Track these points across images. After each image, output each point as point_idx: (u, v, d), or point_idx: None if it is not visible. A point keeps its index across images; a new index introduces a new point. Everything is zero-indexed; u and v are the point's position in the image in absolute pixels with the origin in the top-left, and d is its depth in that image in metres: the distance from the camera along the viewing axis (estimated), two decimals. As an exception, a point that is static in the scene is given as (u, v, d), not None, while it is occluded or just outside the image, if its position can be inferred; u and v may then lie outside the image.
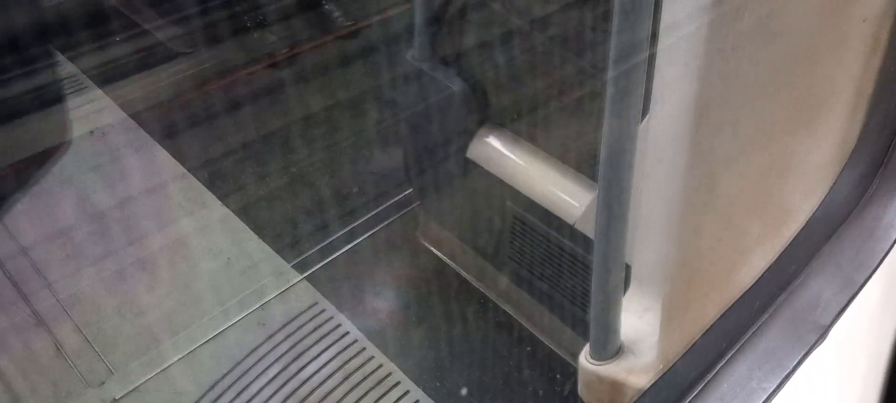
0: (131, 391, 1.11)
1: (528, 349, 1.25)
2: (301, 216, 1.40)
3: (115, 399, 1.10)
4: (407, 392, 1.16)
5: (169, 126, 1.51)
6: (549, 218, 1.17)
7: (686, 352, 0.51)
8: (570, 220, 1.15)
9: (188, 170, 1.42)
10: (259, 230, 1.34)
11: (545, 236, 1.20)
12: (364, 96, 1.62)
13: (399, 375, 1.18)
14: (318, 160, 1.50)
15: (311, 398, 1.13)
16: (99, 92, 1.54)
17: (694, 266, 0.90)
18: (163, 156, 1.45)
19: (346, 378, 1.16)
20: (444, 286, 1.34)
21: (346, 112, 1.60)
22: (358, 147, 1.53)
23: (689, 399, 0.49)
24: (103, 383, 1.12)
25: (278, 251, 1.32)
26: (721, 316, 0.54)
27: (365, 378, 1.17)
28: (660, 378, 0.50)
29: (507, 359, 1.24)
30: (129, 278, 1.26)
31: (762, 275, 0.56)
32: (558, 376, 1.23)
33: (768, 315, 0.53)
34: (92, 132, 1.47)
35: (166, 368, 1.15)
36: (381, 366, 1.19)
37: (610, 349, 0.95)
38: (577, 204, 1.15)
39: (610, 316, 0.92)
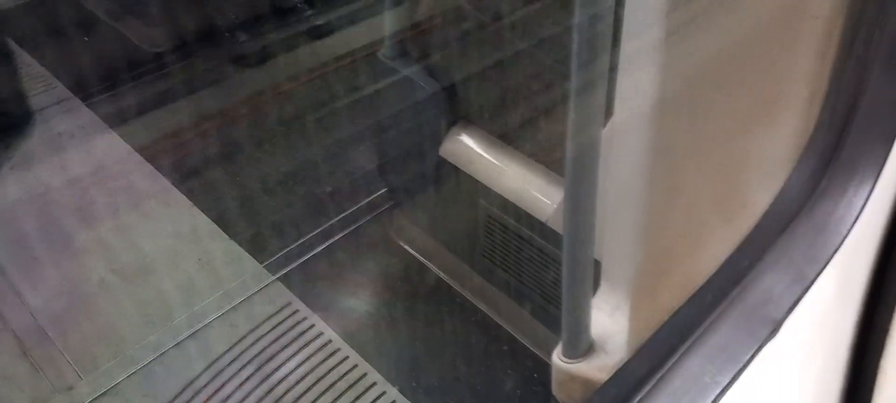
0: (101, 394, 1.10)
1: (504, 347, 1.26)
2: (274, 216, 1.39)
3: (85, 405, 1.09)
4: (383, 393, 1.16)
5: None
6: (521, 215, 1.18)
7: (639, 350, 0.51)
8: (542, 217, 1.16)
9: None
10: (230, 230, 1.34)
11: (518, 234, 1.20)
12: (335, 96, 1.62)
13: (375, 375, 1.18)
14: (290, 161, 1.50)
15: (286, 398, 1.12)
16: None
17: (660, 262, 0.91)
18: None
19: (320, 379, 1.16)
20: (419, 285, 1.34)
21: (319, 112, 1.60)
22: (331, 147, 1.53)
23: (641, 395, 0.49)
24: (71, 387, 1.11)
25: (251, 252, 1.31)
26: (674, 313, 0.54)
27: (340, 379, 1.17)
28: (613, 376, 0.50)
29: (483, 357, 1.24)
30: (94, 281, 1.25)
31: (716, 271, 0.57)
32: (533, 373, 1.24)
33: (720, 310, 0.54)
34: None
35: (137, 371, 1.14)
36: (356, 367, 1.19)
37: (581, 347, 0.96)
38: (549, 202, 1.16)
39: (580, 315, 0.93)
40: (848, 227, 0.58)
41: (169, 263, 1.28)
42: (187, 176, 1.41)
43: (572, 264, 0.87)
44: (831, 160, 0.60)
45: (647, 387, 0.50)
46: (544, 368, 1.26)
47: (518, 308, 1.26)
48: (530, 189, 1.18)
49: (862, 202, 0.59)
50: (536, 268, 1.20)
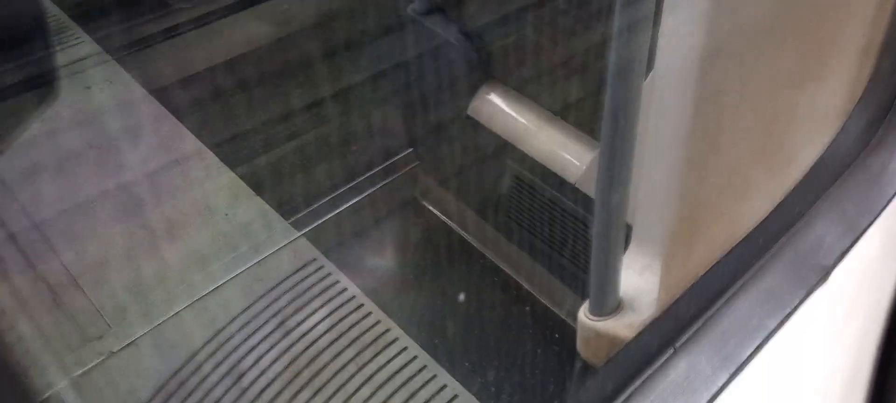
0: (128, 344, 1.12)
1: (527, 308, 1.26)
2: (298, 173, 1.39)
3: (112, 353, 1.10)
4: (405, 349, 1.17)
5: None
6: (550, 177, 1.17)
7: (688, 290, 0.51)
8: (571, 179, 1.15)
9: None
10: (255, 186, 1.34)
11: (546, 195, 1.19)
12: (361, 50, 1.60)
13: (397, 332, 1.18)
14: (315, 118, 1.49)
15: (309, 352, 1.13)
16: None
17: (695, 219, 0.89)
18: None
19: (343, 333, 1.16)
20: (443, 245, 1.34)
21: (344, 67, 1.58)
22: (355, 103, 1.52)
23: (689, 333, 0.48)
24: (101, 337, 1.12)
25: (276, 208, 1.31)
26: (724, 255, 0.53)
27: (363, 334, 1.17)
28: (662, 313, 0.49)
29: (506, 318, 1.24)
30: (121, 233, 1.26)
31: (766, 218, 0.55)
32: (556, 334, 1.24)
33: (770, 255, 0.53)
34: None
35: (163, 322, 1.15)
36: (379, 322, 1.19)
37: (609, 305, 0.95)
38: (578, 163, 1.14)
39: (609, 273, 0.92)
40: (902, 179, 0.57)
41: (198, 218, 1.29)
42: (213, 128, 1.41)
43: (604, 224, 0.86)
44: (889, 110, 0.58)
45: (697, 325, 0.49)
46: (568, 330, 1.26)
47: (543, 270, 1.26)
48: (560, 150, 1.16)
49: (918, 153, 0.57)
50: (563, 231, 1.19)
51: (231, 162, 1.36)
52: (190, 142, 1.40)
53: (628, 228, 0.94)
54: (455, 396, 1.11)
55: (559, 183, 1.15)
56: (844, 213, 0.56)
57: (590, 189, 1.15)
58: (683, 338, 0.48)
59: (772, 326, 0.51)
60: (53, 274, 1.20)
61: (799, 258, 0.54)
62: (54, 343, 1.11)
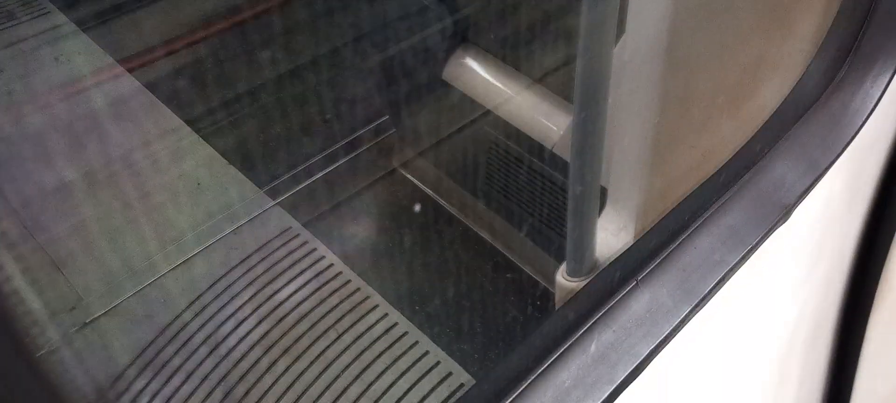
0: (101, 314, 1.11)
1: (506, 274, 1.27)
2: (271, 141, 1.38)
3: (85, 323, 1.09)
4: (385, 315, 1.17)
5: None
6: (526, 142, 1.17)
7: (650, 228, 0.51)
8: (548, 144, 1.15)
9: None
10: (229, 155, 1.32)
11: (523, 161, 1.19)
12: (332, 15, 1.58)
13: (377, 298, 1.18)
14: (287, 86, 1.47)
15: (288, 319, 1.13)
16: None
17: (668, 177, 0.90)
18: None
19: (322, 301, 1.16)
20: (420, 213, 1.34)
21: (316, 33, 1.56)
22: (329, 71, 1.50)
23: (651, 267, 0.49)
24: (72, 308, 1.11)
25: (250, 176, 1.30)
26: (687, 196, 0.54)
27: (342, 301, 1.17)
28: (624, 251, 0.50)
29: (485, 283, 1.25)
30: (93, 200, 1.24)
31: (729, 159, 0.56)
32: (536, 300, 1.24)
33: (732, 193, 0.54)
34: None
35: (137, 292, 1.14)
36: (358, 290, 1.19)
37: (585, 267, 0.96)
38: (555, 128, 1.15)
39: (585, 235, 0.93)
40: (863, 118, 0.58)
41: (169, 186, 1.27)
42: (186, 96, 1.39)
43: (579, 187, 0.86)
44: (851, 50, 0.59)
45: (657, 261, 0.50)
46: (547, 294, 1.27)
47: (521, 235, 1.26)
48: (537, 115, 1.16)
49: (879, 93, 0.58)
50: (541, 196, 1.20)
51: (203, 132, 1.35)
52: (161, 113, 1.38)
53: (603, 191, 0.95)
54: (437, 363, 1.11)
55: (537, 148, 1.15)
56: (806, 152, 0.56)
57: (567, 154, 1.16)
58: (645, 271, 0.48)
59: (733, 262, 0.51)
60: (23, 246, 1.18)
61: (760, 196, 0.54)
62: (25, 316, 1.10)
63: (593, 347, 0.46)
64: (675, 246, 0.50)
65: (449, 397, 1.08)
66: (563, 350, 0.45)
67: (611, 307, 0.47)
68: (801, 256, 0.62)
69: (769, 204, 0.54)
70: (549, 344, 0.45)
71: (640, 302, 0.48)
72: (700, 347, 0.53)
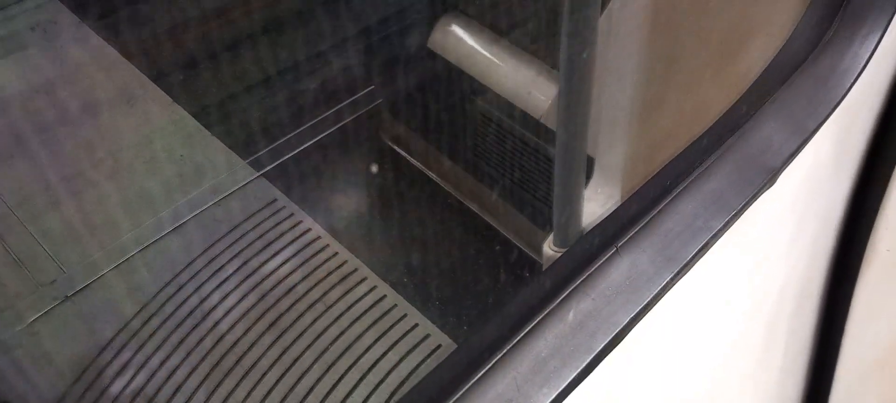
0: (83, 288, 1.09)
1: (493, 244, 1.26)
2: (253, 112, 1.35)
3: (66, 297, 1.08)
4: (374, 288, 1.16)
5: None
6: (514, 112, 1.15)
7: (635, 193, 0.50)
8: (535, 114, 1.13)
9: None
10: (212, 126, 1.30)
11: (510, 131, 1.18)
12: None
13: (365, 271, 1.17)
14: (270, 56, 1.44)
15: (275, 292, 1.12)
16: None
17: (656, 147, 0.89)
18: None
19: (310, 273, 1.15)
20: (406, 183, 1.32)
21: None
22: (312, 39, 1.47)
23: (632, 232, 0.48)
24: (54, 281, 1.10)
25: (233, 148, 1.28)
26: (670, 160, 0.52)
27: (329, 274, 1.16)
28: (606, 217, 0.49)
29: (472, 254, 1.24)
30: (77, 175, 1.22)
31: (714, 123, 0.55)
32: (523, 270, 1.24)
33: (717, 157, 0.52)
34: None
35: (119, 265, 1.12)
36: (346, 262, 1.18)
37: (572, 236, 0.95)
38: (543, 98, 1.13)
39: (572, 205, 0.92)
40: (851, 80, 0.56)
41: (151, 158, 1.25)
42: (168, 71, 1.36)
43: (566, 157, 0.85)
44: (839, 10, 0.57)
45: (639, 226, 0.48)
46: (534, 265, 1.26)
47: (509, 206, 1.25)
48: (524, 85, 1.14)
49: (868, 53, 0.56)
50: (529, 166, 1.18)
51: (184, 102, 1.32)
52: (142, 83, 1.35)
53: (591, 161, 0.94)
54: (427, 335, 1.11)
55: (524, 118, 1.13)
56: (793, 115, 0.55)
57: (555, 123, 1.14)
58: (625, 238, 0.47)
59: (717, 227, 0.50)
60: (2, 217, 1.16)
61: (745, 160, 0.53)
62: (5, 289, 1.08)
63: (571, 315, 0.45)
64: (656, 211, 0.49)
65: (438, 368, 1.08)
66: (540, 318, 0.44)
67: (589, 275, 0.46)
68: (787, 221, 0.61)
69: (755, 168, 0.53)
70: (525, 313, 0.44)
71: (620, 270, 0.47)
72: (682, 315, 0.53)
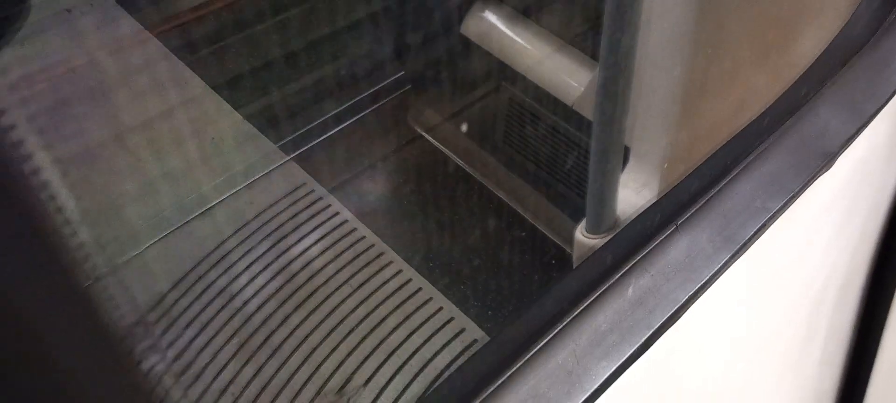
0: (111, 270, 1.10)
1: (521, 233, 1.25)
2: (284, 97, 1.36)
3: (95, 279, 1.09)
4: (399, 271, 1.16)
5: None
6: (546, 99, 1.14)
7: (692, 172, 0.49)
8: (568, 101, 1.12)
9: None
10: (242, 109, 1.30)
11: (542, 118, 1.17)
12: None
13: (391, 255, 1.17)
14: (300, 41, 1.44)
15: (303, 274, 1.12)
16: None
17: (696, 134, 0.88)
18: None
19: (337, 256, 1.15)
20: (435, 170, 1.32)
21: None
22: (343, 25, 1.47)
23: (692, 211, 0.47)
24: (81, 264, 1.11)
25: (263, 131, 1.28)
26: (728, 139, 0.52)
27: (357, 257, 1.16)
28: (664, 194, 0.48)
29: (500, 242, 1.24)
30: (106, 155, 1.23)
31: (771, 104, 0.54)
32: (552, 259, 1.23)
33: (774, 139, 0.52)
34: None
35: (151, 245, 1.13)
36: (373, 246, 1.18)
37: (606, 224, 0.94)
38: (576, 85, 1.12)
39: (607, 191, 0.91)
40: (912, 64, 0.55)
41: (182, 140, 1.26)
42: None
43: (602, 143, 0.84)
44: (901, -7, 0.56)
45: (699, 205, 0.48)
46: (563, 254, 1.26)
47: (538, 194, 1.25)
48: (557, 71, 1.13)
49: (930, 38, 0.55)
50: (559, 154, 1.18)
51: (215, 86, 1.32)
52: (173, 66, 1.35)
53: (626, 148, 0.93)
54: (451, 318, 1.11)
55: (556, 105, 1.13)
56: (851, 99, 0.54)
57: (587, 111, 1.13)
58: (686, 216, 0.47)
59: (774, 208, 0.49)
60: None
61: (803, 142, 0.52)
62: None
63: (631, 291, 0.44)
64: (715, 190, 0.48)
65: (463, 351, 1.08)
66: (599, 293, 0.44)
67: (649, 251, 0.46)
68: (839, 207, 0.60)
69: (812, 151, 0.52)
70: (585, 287, 0.44)
71: (679, 247, 0.46)
72: (735, 296, 0.52)
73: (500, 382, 0.39)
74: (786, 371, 0.71)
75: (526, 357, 0.41)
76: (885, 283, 0.72)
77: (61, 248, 0.19)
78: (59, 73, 1.32)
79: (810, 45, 0.65)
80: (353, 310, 1.10)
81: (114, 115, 1.28)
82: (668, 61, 0.84)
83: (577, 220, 1.15)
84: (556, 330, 0.42)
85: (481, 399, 0.38)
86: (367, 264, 1.16)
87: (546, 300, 0.43)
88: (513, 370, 0.40)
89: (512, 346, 0.41)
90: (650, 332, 0.44)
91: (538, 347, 0.41)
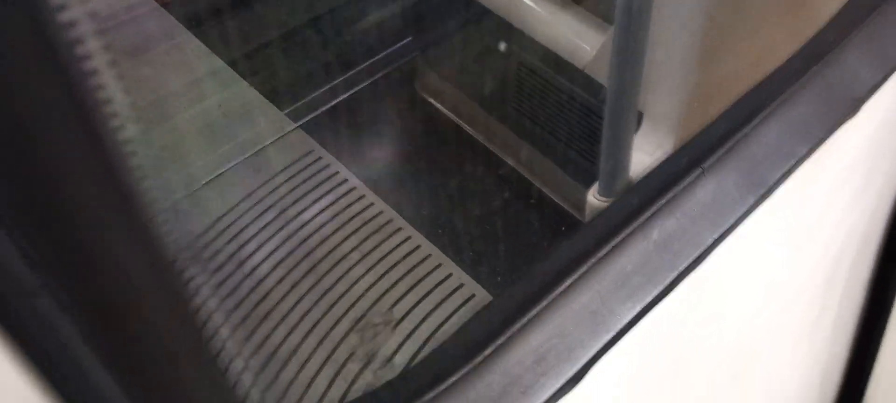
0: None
1: (530, 198, 1.25)
2: (292, 64, 1.34)
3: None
4: (408, 238, 1.16)
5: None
6: (557, 62, 1.13)
7: (719, 117, 0.48)
8: (579, 65, 1.11)
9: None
10: (250, 77, 1.29)
11: (552, 82, 1.15)
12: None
13: (400, 221, 1.17)
14: (309, 6, 1.42)
15: (311, 240, 1.12)
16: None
17: (711, 94, 0.87)
18: None
19: (346, 223, 1.15)
20: (443, 138, 1.31)
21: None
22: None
23: (718, 155, 0.46)
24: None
25: (271, 99, 1.27)
26: (755, 86, 0.51)
27: (365, 224, 1.16)
28: (696, 135, 0.47)
29: (509, 209, 1.23)
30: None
31: (798, 50, 0.53)
32: (561, 226, 1.23)
33: (801, 84, 0.51)
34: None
35: (159, 213, 1.13)
36: (381, 213, 1.18)
37: (619, 186, 0.93)
38: (587, 48, 1.10)
39: (620, 154, 0.90)
40: (942, 10, 0.54)
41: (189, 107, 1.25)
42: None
43: (616, 105, 0.83)
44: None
45: (725, 148, 0.47)
46: (573, 220, 1.25)
47: (547, 160, 1.24)
48: (567, 33, 1.12)
49: (961, -17, 0.54)
50: (570, 119, 1.16)
51: (221, 52, 1.31)
52: (179, 32, 1.34)
53: (639, 114, 0.91)
54: (461, 285, 1.11)
55: (567, 68, 1.11)
56: (879, 45, 0.53)
57: (599, 74, 1.12)
58: (712, 159, 0.46)
59: (801, 153, 0.49)
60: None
61: (830, 88, 0.51)
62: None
63: (656, 233, 0.44)
64: (742, 134, 0.47)
65: (473, 318, 1.08)
66: (625, 235, 0.43)
67: (675, 195, 0.45)
68: (861, 158, 0.59)
69: (839, 97, 0.51)
70: (611, 230, 0.43)
71: (706, 190, 0.45)
72: (759, 244, 0.51)
73: (527, 319, 0.38)
74: (802, 336, 0.70)
75: (552, 297, 0.40)
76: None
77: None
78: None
79: (832, 6, 0.63)
80: (363, 275, 1.10)
81: (116, 83, 1.27)
82: (682, 22, 0.82)
83: (587, 185, 1.14)
84: (582, 271, 0.42)
85: (508, 335, 0.38)
86: (376, 231, 1.16)
87: (572, 243, 0.43)
88: (539, 308, 0.40)
89: (539, 286, 0.40)
90: (675, 274, 0.43)
91: (563, 287, 0.41)
